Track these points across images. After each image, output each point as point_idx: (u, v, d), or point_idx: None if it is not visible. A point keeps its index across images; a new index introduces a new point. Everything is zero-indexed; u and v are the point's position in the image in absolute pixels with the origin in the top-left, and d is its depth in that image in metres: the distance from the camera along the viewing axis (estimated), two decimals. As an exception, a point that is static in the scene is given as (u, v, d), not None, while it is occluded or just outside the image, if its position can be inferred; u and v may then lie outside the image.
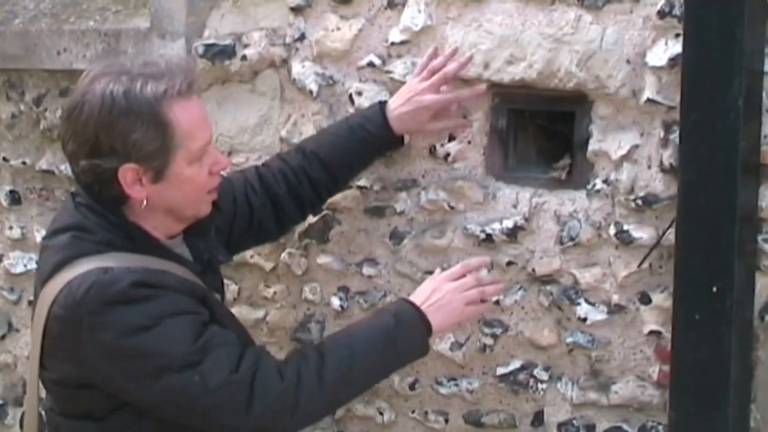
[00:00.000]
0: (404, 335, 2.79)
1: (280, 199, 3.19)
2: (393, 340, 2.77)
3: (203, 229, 2.81)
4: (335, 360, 2.67)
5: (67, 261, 2.55)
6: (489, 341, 3.30)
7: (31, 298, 3.99)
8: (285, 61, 3.47)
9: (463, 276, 2.97)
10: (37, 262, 2.83)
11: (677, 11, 2.91)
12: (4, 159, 4.14)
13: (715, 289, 2.84)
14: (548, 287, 3.20)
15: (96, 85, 2.53)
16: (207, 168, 2.64)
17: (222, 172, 2.84)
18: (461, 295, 2.91)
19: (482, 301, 3.00)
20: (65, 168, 3.95)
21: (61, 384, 2.64)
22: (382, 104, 3.21)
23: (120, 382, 2.53)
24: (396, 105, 3.18)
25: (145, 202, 2.59)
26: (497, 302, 3.23)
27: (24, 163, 4.10)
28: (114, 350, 2.48)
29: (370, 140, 3.20)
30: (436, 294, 2.89)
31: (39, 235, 4.08)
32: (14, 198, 4.17)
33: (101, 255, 2.55)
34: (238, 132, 3.56)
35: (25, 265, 4.16)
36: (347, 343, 2.75)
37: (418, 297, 2.90)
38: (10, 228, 4.19)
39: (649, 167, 3.03)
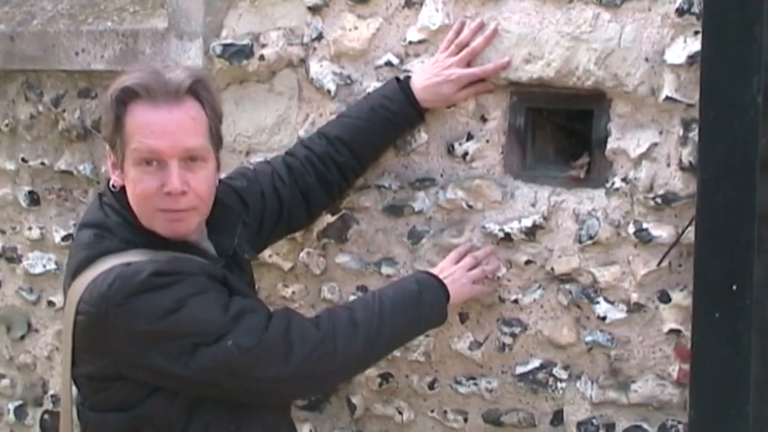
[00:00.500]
0: (427, 299, 2.97)
1: (310, 187, 3.22)
2: (417, 303, 2.94)
3: (225, 226, 2.85)
4: (366, 315, 2.81)
5: (92, 259, 2.62)
6: (508, 340, 3.29)
7: (51, 298, 4.05)
8: (303, 61, 3.48)
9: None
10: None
11: (696, 9, 2.90)
12: (23, 160, 4.15)
13: (734, 287, 2.84)
14: (567, 286, 3.19)
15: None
16: (158, 182, 2.61)
17: (249, 165, 3.03)
18: (468, 273, 3.10)
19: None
20: (83, 168, 3.97)
21: (91, 378, 2.68)
22: (401, 81, 3.23)
23: (155, 367, 2.58)
24: (422, 78, 3.21)
25: (115, 187, 2.71)
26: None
27: (42, 163, 4.11)
28: (145, 336, 2.54)
29: (392, 119, 3.23)
30: (447, 271, 3.08)
31: (58, 236, 4.10)
32: (33, 198, 4.18)
33: (124, 252, 2.62)
34: (256, 132, 3.57)
35: (44, 266, 4.18)
36: (376, 301, 2.88)
37: (435, 269, 3.11)
38: (29, 228, 4.20)
39: (668, 165, 3.02)
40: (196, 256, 2.72)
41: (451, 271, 3.09)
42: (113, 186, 2.72)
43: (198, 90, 2.67)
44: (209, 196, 2.72)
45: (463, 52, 3.18)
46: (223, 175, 3.05)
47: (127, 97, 2.61)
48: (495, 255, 3.21)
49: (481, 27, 3.18)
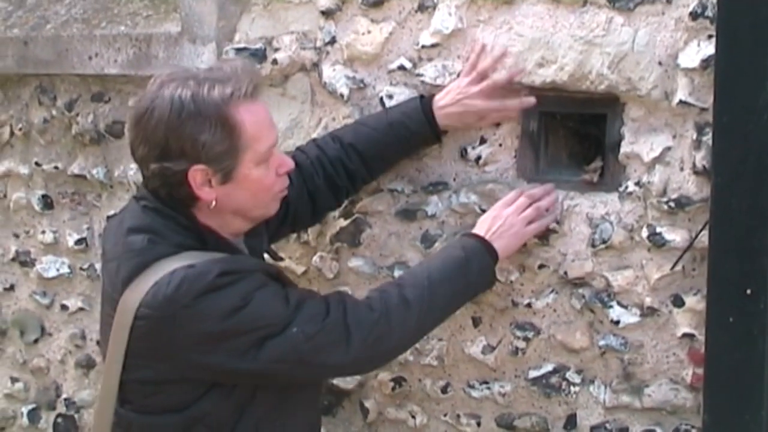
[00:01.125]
0: (474, 266, 2.97)
1: (318, 189, 3.22)
2: (464, 271, 2.94)
3: (259, 229, 2.90)
4: (416, 289, 2.83)
5: (147, 264, 2.62)
6: (521, 344, 3.29)
7: (64, 302, 4.06)
8: (315, 65, 3.47)
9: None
10: (103, 255, 2.88)
11: (709, 12, 2.90)
12: (37, 164, 4.16)
13: (748, 291, 2.83)
14: (580, 290, 3.19)
15: (164, 90, 2.61)
16: (274, 169, 2.72)
17: None
18: (521, 216, 3.07)
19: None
20: (97, 172, 3.98)
21: (144, 383, 2.68)
22: (423, 101, 3.22)
23: (223, 365, 2.61)
24: (444, 104, 3.20)
25: (214, 203, 2.67)
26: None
27: (56, 167, 4.12)
28: (214, 336, 2.57)
29: (408, 137, 3.23)
30: (497, 222, 3.07)
31: (71, 240, 4.11)
32: (46, 202, 4.19)
33: (179, 255, 2.62)
34: (269, 136, 3.57)
35: (58, 270, 4.19)
36: (424, 274, 2.91)
37: (480, 228, 3.07)
38: (43, 232, 4.21)
39: (682, 169, 3.02)
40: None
41: (500, 222, 3.06)
42: (212, 203, 2.68)
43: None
44: None
45: (485, 84, 3.16)
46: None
47: (231, 103, 2.60)
48: (554, 195, 3.18)
49: (504, 55, 3.16)
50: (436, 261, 3.01)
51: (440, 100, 3.21)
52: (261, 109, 2.69)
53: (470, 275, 2.96)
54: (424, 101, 3.22)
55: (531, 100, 3.16)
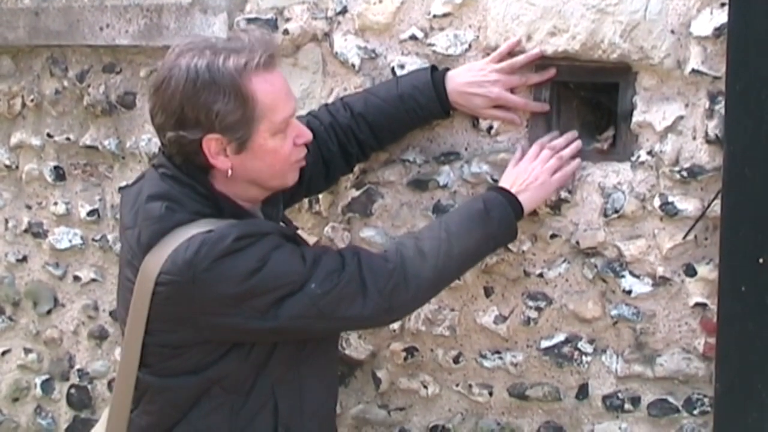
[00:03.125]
0: (495, 217, 2.99)
1: (333, 155, 3.24)
2: (485, 223, 2.97)
3: (276, 198, 2.92)
4: (432, 241, 2.87)
5: (166, 231, 2.65)
6: (533, 314, 3.29)
7: (76, 273, 4.06)
8: (327, 35, 3.46)
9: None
10: (121, 222, 2.89)
11: (722, -20, 2.89)
12: (48, 135, 4.16)
13: (761, 260, 2.83)
14: (592, 260, 3.19)
15: (181, 59, 2.64)
16: (291, 140, 2.74)
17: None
18: (545, 167, 3.09)
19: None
20: (108, 143, 3.98)
21: (164, 346, 2.72)
22: (435, 75, 3.21)
23: (244, 326, 2.65)
24: (461, 82, 3.20)
25: (230, 173, 2.69)
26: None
27: (68, 139, 4.11)
28: (234, 298, 2.61)
29: (418, 111, 3.22)
30: (522, 176, 3.10)
31: (83, 211, 4.11)
32: (59, 174, 4.19)
33: (197, 222, 2.65)
34: (281, 106, 3.56)
35: (70, 241, 4.19)
36: (442, 226, 2.95)
37: (505, 182, 3.11)
38: (55, 204, 4.21)
39: (694, 138, 3.01)
40: None
41: (525, 176, 3.09)
42: (228, 172, 2.71)
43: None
44: None
45: (514, 78, 3.18)
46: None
47: (246, 73, 2.62)
48: (578, 143, 3.18)
49: (539, 57, 3.15)
50: (455, 214, 3.05)
51: (456, 77, 3.21)
52: (277, 79, 2.69)
53: (490, 227, 2.97)
54: (436, 76, 3.21)
55: (545, 106, 3.22)
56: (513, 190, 3.04)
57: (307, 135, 2.80)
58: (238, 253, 2.59)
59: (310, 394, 2.85)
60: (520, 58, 3.15)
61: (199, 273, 2.56)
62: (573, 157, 3.15)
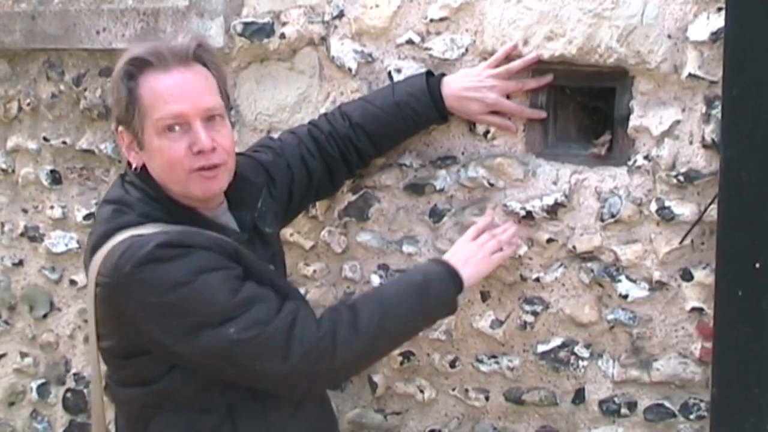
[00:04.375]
0: (433, 291, 2.91)
1: (334, 161, 3.25)
2: (422, 295, 2.89)
3: (246, 200, 2.88)
4: (367, 312, 2.78)
5: (110, 233, 2.65)
6: (529, 318, 3.29)
7: (73, 277, 4.07)
8: (323, 39, 3.46)
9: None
10: None
11: (719, -15, 2.89)
12: (45, 139, 4.16)
13: (757, 265, 2.83)
14: (589, 264, 3.19)
15: None
16: (185, 144, 2.65)
17: (273, 136, 3.15)
18: (485, 246, 3.06)
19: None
20: (105, 147, 3.98)
21: (113, 353, 2.74)
22: (430, 81, 3.21)
23: (162, 342, 2.61)
24: (458, 87, 3.19)
25: (134, 166, 2.73)
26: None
27: (64, 142, 4.11)
28: (155, 308, 2.58)
29: (415, 118, 3.23)
30: (463, 249, 3.05)
31: (80, 215, 4.11)
32: (55, 178, 4.19)
33: (142, 226, 2.64)
34: (277, 110, 3.56)
35: (66, 245, 4.19)
36: (378, 298, 2.87)
37: (446, 256, 3.05)
38: (51, 207, 4.21)
39: (691, 143, 3.02)
40: (213, 231, 2.73)
41: (466, 250, 3.06)
42: (135, 167, 2.74)
43: (202, 54, 2.72)
44: (233, 151, 2.77)
45: (510, 84, 3.17)
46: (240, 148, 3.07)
47: (137, 69, 2.64)
48: (514, 229, 3.18)
49: (536, 62, 3.15)
50: (393, 285, 3.02)
51: (453, 83, 3.21)
52: (171, 79, 2.64)
53: (427, 301, 2.90)
54: (432, 82, 3.21)
55: (542, 114, 3.20)
56: (452, 262, 2.99)
57: (202, 144, 2.64)
58: (162, 263, 2.56)
59: (279, 418, 2.81)
60: (516, 63, 3.14)
61: (122, 277, 2.56)
62: (510, 243, 3.16)
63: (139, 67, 2.63)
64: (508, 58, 3.16)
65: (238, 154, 2.90)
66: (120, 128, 2.72)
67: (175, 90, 2.63)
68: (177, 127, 2.63)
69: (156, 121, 2.62)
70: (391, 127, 3.26)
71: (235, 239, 2.76)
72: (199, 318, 2.58)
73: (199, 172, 2.67)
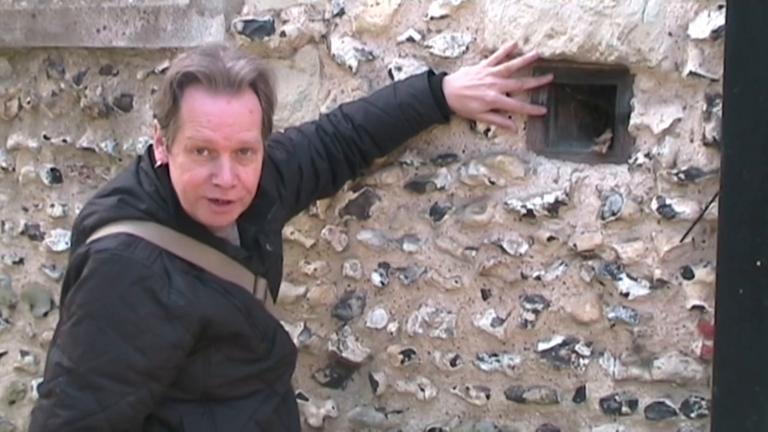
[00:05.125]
0: None
1: (339, 163, 3.25)
2: None
3: (255, 212, 2.81)
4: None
5: (111, 221, 2.65)
6: (530, 317, 3.29)
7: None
8: (324, 37, 3.46)
9: None
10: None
11: (720, -17, 2.89)
12: (45, 137, 4.16)
13: (758, 263, 2.83)
14: (590, 262, 3.19)
15: None
16: (207, 171, 2.61)
17: (286, 134, 3.16)
18: None
19: None
20: (105, 145, 3.97)
21: None
22: (432, 81, 3.21)
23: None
24: (459, 86, 3.20)
25: (160, 163, 2.70)
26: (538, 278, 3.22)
27: (65, 141, 4.11)
28: (68, 313, 2.62)
29: (418, 119, 3.23)
30: None
31: (80, 213, 4.11)
32: (55, 176, 4.19)
33: (141, 222, 2.64)
34: (278, 108, 3.49)
35: (67, 243, 4.15)
36: None
37: None
38: (52, 206, 4.20)
39: (692, 141, 3.01)
40: (209, 246, 2.71)
41: None
42: (159, 162, 2.71)
43: (258, 83, 2.67)
44: (254, 187, 2.72)
45: (510, 82, 3.17)
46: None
47: (187, 82, 2.59)
48: None
49: (536, 59, 3.15)
50: None
51: (454, 81, 3.21)
52: (214, 104, 2.59)
53: None
54: (433, 82, 3.21)
55: (542, 110, 3.19)
56: None
57: (225, 179, 2.59)
58: (87, 280, 2.57)
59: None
60: (516, 61, 3.15)
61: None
62: None
63: (190, 80, 2.59)
64: (509, 56, 3.16)
65: None
66: (155, 121, 2.71)
67: (214, 117, 2.58)
68: (205, 152, 2.60)
69: (187, 139, 2.59)
70: (395, 129, 3.26)
71: (233, 254, 2.75)
72: (59, 349, 2.59)
73: (211, 203, 2.64)
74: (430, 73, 3.26)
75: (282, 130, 3.29)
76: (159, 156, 2.70)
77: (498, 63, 3.18)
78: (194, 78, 2.58)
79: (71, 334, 2.56)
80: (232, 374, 2.74)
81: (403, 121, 3.24)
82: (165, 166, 2.69)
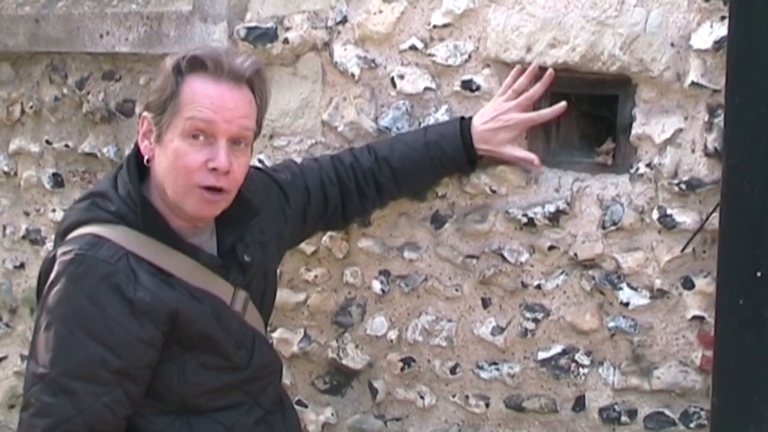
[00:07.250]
0: None
1: (350, 193, 3.23)
2: None
3: (235, 221, 2.81)
4: None
5: (81, 223, 2.66)
6: (530, 325, 3.29)
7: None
8: (327, 45, 3.47)
9: None
10: None
11: (722, -6, 2.89)
12: (47, 142, 4.16)
13: (759, 273, 2.83)
14: (590, 272, 3.19)
15: None
16: (203, 156, 2.61)
17: (296, 160, 3.12)
18: None
19: None
20: (107, 151, 3.98)
21: None
22: (462, 124, 3.20)
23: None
24: (481, 122, 3.18)
25: (147, 158, 2.69)
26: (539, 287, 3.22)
27: (67, 146, 4.12)
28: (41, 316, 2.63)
29: (443, 159, 3.22)
30: None
31: (81, 218, 4.11)
32: (57, 181, 4.19)
33: (110, 225, 2.64)
34: (280, 115, 3.56)
35: (68, 248, 4.19)
36: None
37: None
38: (53, 210, 4.21)
39: (693, 151, 3.02)
40: (181, 252, 2.69)
41: None
42: (146, 159, 2.70)
43: (255, 80, 2.70)
44: (240, 184, 2.73)
45: (522, 98, 3.15)
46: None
47: (191, 67, 2.62)
48: None
49: (539, 71, 3.15)
50: None
51: (477, 120, 3.20)
52: (216, 88, 2.63)
53: None
54: (464, 124, 3.21)
55: (563, 104, 3.14)
56: None
57: (222, 163, 2.61)
58: (54, 284, 2.58)
59: None
60: (521, 81, 3.14)
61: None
62: None
63: (193, 66, 2.62)
64: (513, 67, 3.16)
65: (254, 167, 2.93)
66: (145, 113, 2.69)
67: (216, 100, 2.61)
68: (201, 137, 2.60)
69: (185, 120, 2.60)
70: (417, 165, 3.24)
71: (207, 262, 2.73)
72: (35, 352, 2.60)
73: (203, 190, 2.63)
74: (462, 118, 3.25)
75: (275, 144, 3.30)
76: (144, 150, 2.70)
77: (507, 90, 3.18)
78: (200, 63, 2.62)
79: (42, 339, 2.57)
80: (209, 383, 2.73)
81: (428, 159, 3.21)
82: (146, 170, 2.70)
